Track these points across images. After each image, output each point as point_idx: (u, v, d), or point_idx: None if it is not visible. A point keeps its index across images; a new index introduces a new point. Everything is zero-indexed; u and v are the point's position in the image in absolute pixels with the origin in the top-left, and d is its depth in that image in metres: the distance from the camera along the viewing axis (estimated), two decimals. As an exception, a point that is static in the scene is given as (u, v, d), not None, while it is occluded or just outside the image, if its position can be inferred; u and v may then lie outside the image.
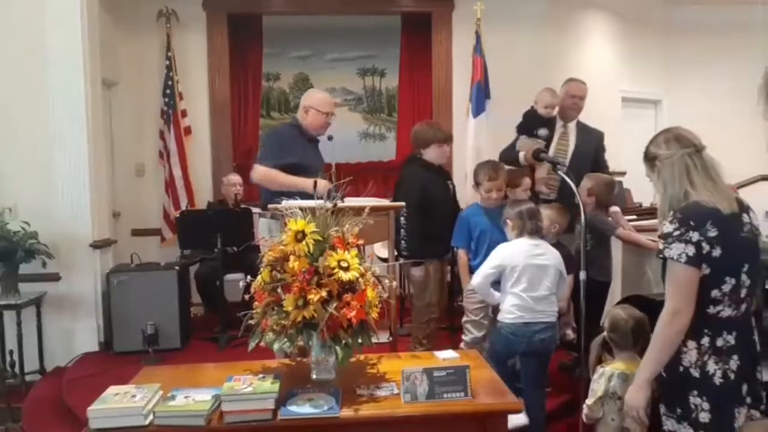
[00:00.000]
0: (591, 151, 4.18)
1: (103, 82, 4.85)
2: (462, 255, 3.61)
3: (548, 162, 3.78)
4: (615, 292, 4.11)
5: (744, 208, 2.06)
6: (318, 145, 3.84)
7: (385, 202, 3.66)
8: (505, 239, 3.25)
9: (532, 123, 4.37)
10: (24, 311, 4.08)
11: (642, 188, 4.66)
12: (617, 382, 2.50)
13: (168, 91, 5.45)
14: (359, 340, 2.30)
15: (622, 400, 2.31)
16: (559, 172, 3.41)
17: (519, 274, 3.00)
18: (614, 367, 2.55)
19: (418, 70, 6.30)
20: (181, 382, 2.30)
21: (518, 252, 3.04)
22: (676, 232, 1.95)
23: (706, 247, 1.93)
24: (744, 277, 1.98)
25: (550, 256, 3.08)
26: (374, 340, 2.37)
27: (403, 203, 3.56)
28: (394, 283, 2.89)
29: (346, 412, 2.10)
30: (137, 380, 2.39)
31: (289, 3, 5.97)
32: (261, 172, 3.62)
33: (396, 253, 3.57)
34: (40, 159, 4.32)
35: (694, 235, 1.93)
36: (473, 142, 5.30)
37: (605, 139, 4.34)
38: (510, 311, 3.00)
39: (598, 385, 2.55)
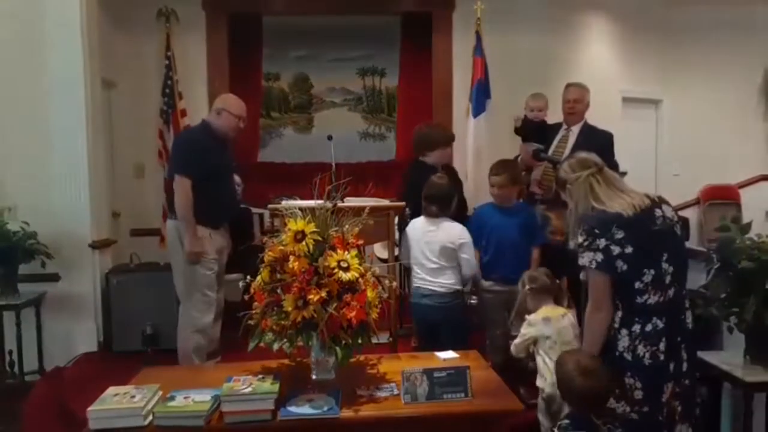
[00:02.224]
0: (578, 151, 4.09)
1: (103, 81, 4.84)
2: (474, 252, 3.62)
3: (548, 161, 3.79)
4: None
5: (656, 203, 2.29)
6: (227, 146, 3.88)
7: (385, 202, 3.67)
8: (513, 237, 3.38)
9: (527, 130, 4.49)
10: (23, 311, 4.07)
11: (643, 188, 4.65)
12: (542, 325, 2.84)
13: (167, 91, 5.44)
14: (359, 341, 2.30)
15: (551, 339, 2.79)
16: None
17: (413, 249, 3.36)
18: (539, 314, 2.88)
19: (418, 70, 6.28)
20: (181, 382, 2.31)
21: (414, 229, 3.40)
22: (585, 242, 2.20)
23: (615, 248, 2.16)
24: (665, 265, 2.21)
25: (439, 233, 3.30)
26: (374, 340, 2.37)
27: (403, 203, 3.57)
28: (394, 284, 2.90)
29: (346, 413, 2.10)
30: (137, 381, 2.40)
31: (289, 3, 5.96)
32: (184, 188, 3.56)
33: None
34: (40, 159, 4.31)
35: (601, 242, 2.17)
36: (473, 142, 5.29)
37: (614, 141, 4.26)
38: (412, 279, 3.41)
39: (528, 330, 2.87)
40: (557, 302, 2.97)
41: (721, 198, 6.70)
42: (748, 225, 3.04)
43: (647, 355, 2.19)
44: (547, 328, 2.83)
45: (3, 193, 4.28)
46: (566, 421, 2.29)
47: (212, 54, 5.76)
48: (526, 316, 2.94)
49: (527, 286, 2.98)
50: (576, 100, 4.23)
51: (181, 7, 5.53)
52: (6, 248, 3.99)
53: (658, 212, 2.28)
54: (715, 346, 3.37)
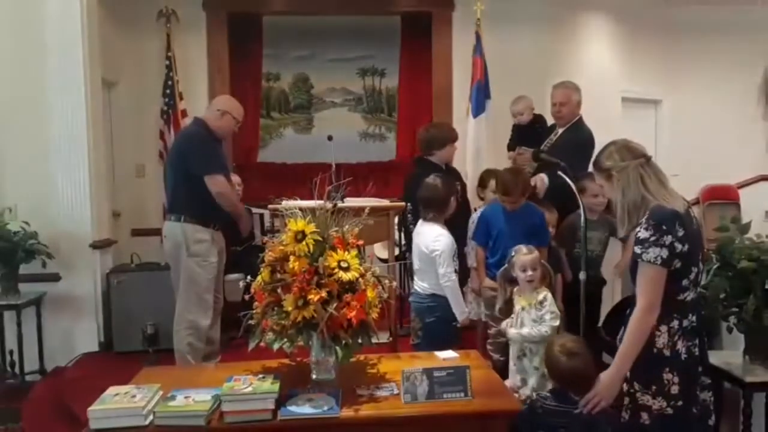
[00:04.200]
0: (558, 150, 4.00)
1: (103, 82, 4.84)
2: (479, 251, 3.66)
3: (547, 162, 3.80)
4: (615, 292, 4.11)
5: (689, 205, 2.33)
6: (222, 146, 3.95)
7: (385, 202, 3.69)
8: (520, 240, 3.34)
9: (515, 135, 4.63)
10: (24, 311, 4.08)
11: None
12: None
13: (168, 91, 5.44)
14: (359, 341, 2.30)
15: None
16: (559, 172, 3.42)
17: (413, 248, 3.44)
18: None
19: (418, 70, 6.29)
20: (181, 382, 2.31)
21: (416, 228, 3.45)
22: (652, 237, 2.14)
23: (678, 246, 2.14)
24: (700, 264, 2.27)
25: (421, 236, 3.34)
26: (374, 340, 2.38)
27: (403, 203, 3.58)
28: (394, 283, 2.90)
29: (346, 413, 2.11)
30: (137, 380, 2.40)
31: (289, 3, 5.97)
32: (223, 184, 3.58)
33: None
34: (41, 159, 4.32)
35: (668, 239, 2.13)
36: (473, 143, 5.29)
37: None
38: None
39: (554, 306, 2.92)
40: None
41: (721, 198, 6.70)
42: (748, 225, 3.05)
43: (684, 350, 2.20)
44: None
45: (4, 193, 4.30)
46: (547, 393, 2.43)
47: (213, 54, 5.77)
48: (545, 291, 2.96)
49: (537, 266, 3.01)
50: (561, 104, 4.12)
51: (181, 7, 5.53)
52: (7, 248, 4.00)
53: (692, 212, 2.32)
54: (715, 345, 3.38)
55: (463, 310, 3.28)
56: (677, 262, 2.15)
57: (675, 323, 2.21)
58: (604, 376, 2.23)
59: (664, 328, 2.21)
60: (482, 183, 4.19)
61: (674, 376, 2.19)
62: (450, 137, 4.13)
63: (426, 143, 4.13)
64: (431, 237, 3.25)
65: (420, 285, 3.37)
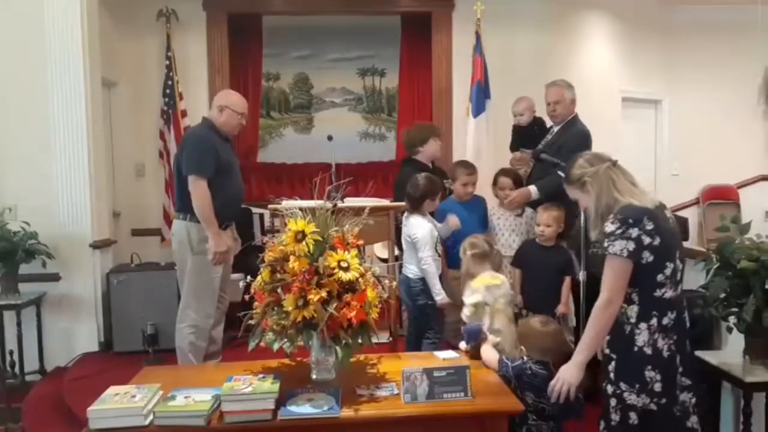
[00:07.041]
0: (554, 148, 3.99)
1: (103, 81, 4.84)
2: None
3: (548, 162, 3.79)
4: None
5: (662, 205, 2.36)
6: (231, 143, 3.85)
7: (385, 202, 3.69)
8: (475, 229, 3.66)
9: (516, 136, 4.62)
10: (24, 311, 4.08)
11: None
12: (485, 292, 3.09)
13: (168, 91, 5.44)
14: (359, 340, 2.30)
15: (489, 306, 3.07)
16: (559, 172, 3.42)
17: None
18: (481, 281, 3.12)
19: (418, 69, 6.29)
20: (181, 382, 2.31)
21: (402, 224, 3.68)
22: (618, 231, 2.19)
23: (646, 239, 2.18)
24: (677, 262, 2.28)
25: (405, 227, 3.57)
26: (374, 340, 2.38)
27: (403, 203, 3.58)
28: (394, 284, 2.90)
29: (346, 412, 2.11)
30: (137, 380, 2.40)
31: (289, 3, 5.97)
32: (201, 189, 3.49)
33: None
34: (40, 159, 4.32)
35: (634, 231, 2.18)
36: (473, 142, 5.28)
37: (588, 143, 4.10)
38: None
39: (474, 297, 3.09)
40: (495, 269, 3.26)
41: (721, 198, 6.71)
42: (748, 225, 3.04)
43: (665, 347, 2.22)
44: (488, 296, 3.08)
45: (4, 193, 4.30)
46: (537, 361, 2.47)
47: (212, 54, 5.77)
48: (469, 282, 3.16)
49: (468, 252, 3.24)
50: (555, 102, 4.06)
51: (181, 7, 5.53)
52: (7, 248, 4.00)
53: (667, 212, 2.35)
54: (714, 345, 3.38)
55: (438, 291, 3.47)
56: (648, 255, 2.18)
57: (654, 321, 2.22)
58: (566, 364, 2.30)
59: (643, 325, 2.22)
60: (496, 182, 4.19)
61: (656, 374, 2.21)
62: (430, 132, 4.23)
63: (409, 143, 4.24)
64: (413, 226, 3.50)
65: (411, 270, 3.53)
